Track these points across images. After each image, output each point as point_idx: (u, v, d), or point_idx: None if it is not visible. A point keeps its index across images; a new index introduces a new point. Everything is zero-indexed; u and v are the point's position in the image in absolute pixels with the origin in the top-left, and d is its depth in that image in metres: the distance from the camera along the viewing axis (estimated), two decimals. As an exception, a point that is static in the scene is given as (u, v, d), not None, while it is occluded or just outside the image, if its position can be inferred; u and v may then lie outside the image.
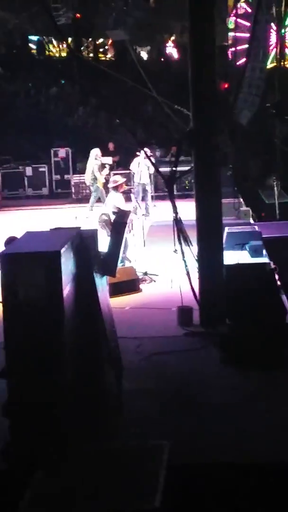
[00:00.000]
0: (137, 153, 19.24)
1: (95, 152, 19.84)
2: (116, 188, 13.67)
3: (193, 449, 6.77)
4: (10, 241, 9.59)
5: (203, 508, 6.21)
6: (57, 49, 35.02)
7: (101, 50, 36.26)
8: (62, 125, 27.20)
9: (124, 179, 15.20)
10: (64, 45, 32.47)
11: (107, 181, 18.25)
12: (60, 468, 6.00)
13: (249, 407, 7.66)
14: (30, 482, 5.75)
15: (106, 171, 19.80)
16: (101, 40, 35.71)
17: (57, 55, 34.95)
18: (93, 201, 19.73)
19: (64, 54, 34.31)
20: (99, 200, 19.14)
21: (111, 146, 24.28)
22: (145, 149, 18.44)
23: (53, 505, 5.48)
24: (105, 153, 24.17)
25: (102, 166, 19.94)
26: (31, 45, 34.97)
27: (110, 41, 35.39)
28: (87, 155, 24.30)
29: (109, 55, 36.29)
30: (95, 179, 19.60)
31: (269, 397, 7.88)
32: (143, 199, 19.09)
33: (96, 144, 24.95)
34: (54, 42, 34.90)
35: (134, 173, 19.63)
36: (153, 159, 18.26)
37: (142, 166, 18.79)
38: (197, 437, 7.03)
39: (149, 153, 17.97)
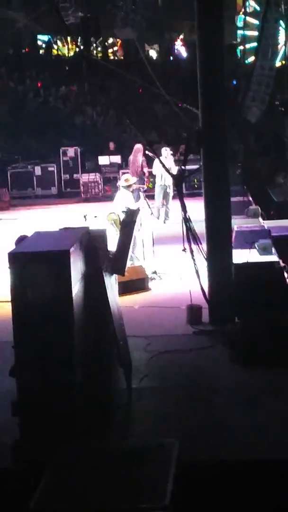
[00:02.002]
0: (147, 152, 19.12)
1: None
2: (127, 187, 13.67)
3: (203, 447, 6.77)
4: (21, 240, 9.61)
5: (213, 505, 6.21)
6: (65, 48, 35.08)
7: (110, 50, 36.31)
8: (71, 124, 27.24)
9: (135, 179, 15.20)
10: (73, 45, 32.51)
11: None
12: (70, 466, 6.01)
13: (258, 406, 7.65)
14: (39, 480, 5.76)
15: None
16: (111, 40, 35.76)
17: (66, 54, 35.02)
18: None
19: (72, 53, 34.39)
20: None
21: (111, 145, 24.27)
22: (165, 148, 18.19)
23: (63, 503, 5.49)
24: (108, 152, 24.18)
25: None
26: (39, 44, 35.06)
27: (119, 41, 35.44)
28: (95, 154, 24.39)
29: (117, 54, 36.32)
30: None
31: (278, 396, 7.87)
32: (164, 202, 18.33)
33: (104, 143, 25.02)
34: (63, 41, 34.97)
35: (155, 174, 18.82)
36: (171, 160, 17.74)
37: (169, 165, 17.54)
38: (207, 435, 7.04)
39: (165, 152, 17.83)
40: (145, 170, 19.07)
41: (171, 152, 18.38)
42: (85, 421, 6.80)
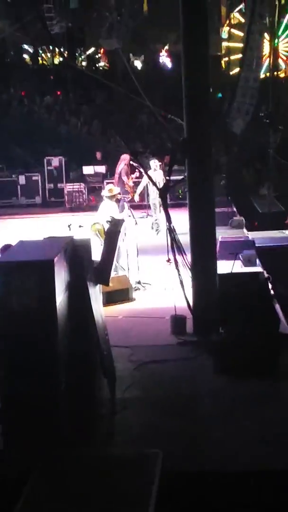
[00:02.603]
0: (131, 162, 19.09)
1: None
2: (111, 197, 13.67)
3: (186, 458, 6.76)
4: (5, 248, 9.58)
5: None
6: (49, 58, 35.12)
7: (96, 58, 36.42)
8: (55, 134, 27.22)
9: (119, 189, 15.18)
10: (58, 54, 32.57)
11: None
12: (53, 475, 5.99)
13: (243, 415, 7.66)
14: (23, 488, 5.74)
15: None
16: (92, 49, 35.86)
17: (50, 64, 35.06)
18: None
19: (57, 63, 34.43)
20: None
21: (98, 155, 24.27)
22: (154, 160, 17.93)
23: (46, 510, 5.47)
24: (93, 162, 24.16)
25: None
26: (24, 54, 35.10)
27: (102, 50, 35.54)
28: (80, 164, 24.36)
29: (102, 63, 36.39)
30: None
31: (263, 406, 7.88)
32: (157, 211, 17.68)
33: (89, 153, 25.00)
34: (49, 50, 35.02)
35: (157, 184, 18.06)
36: (160, 173, 17.53)
37: (158, 177, 17.24)
38: (190, 445, 7.03)
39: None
40: (125, 179, 18.95)
41: (160, 163, 18.28)
42: (68, 430, 6.77)
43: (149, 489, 5.57)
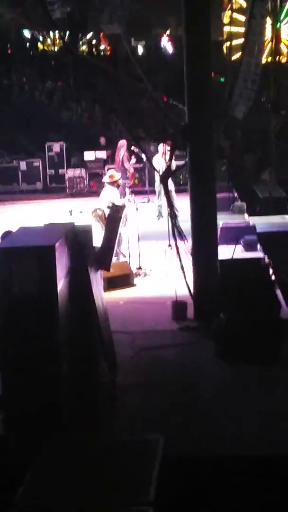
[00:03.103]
0: (132, 148, 19.05)
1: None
2: (112, 183, 13.65)
3: (187, 443, 6.79)
4: (6, 235, 9.58)
5: (197, 500, 6.22)
6: (50, 44, 34.97)
7: (96, 43, 36.27)
8: (57, 120, 27.15)
9: (120, 174, 15.14)
10: (59, 40, 32.42)
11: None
12: (55, 460, 6.01)
13: (243, 401, 7.68)
14: (25, 475, 5.76)
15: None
16: (91, 33, 35.68)
17: (51, 49, 34.92)
18: None
19: (58, 48, 34.30)
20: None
21: (102, 140, 24.20)
22: (163, 144, 17.60)
23: (49, 497, 5.49)
24: (97, 148, 24.10)
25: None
26: (25, 38, 34.94)
27: (102, 34, 35.37)
28: (81, 149, 24.29)
29: (102, 47, 36.21)
30: None
31: (263, 391, 7.90)
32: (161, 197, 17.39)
33: (90, 139, 24.93)
34: (49, 36, 34.86)
35: (158, 170, 17.79)
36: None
37: (164, 163, 16.92)
38: (191, 430, 7.05)
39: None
40: (126, 165, 18.88)
41: (168, 148, 18.08)
42: (70, 416, 6.79)
43: (150, 474, 5.59)
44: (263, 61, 25.97)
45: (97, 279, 7.89)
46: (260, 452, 6.56)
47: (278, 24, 26.10)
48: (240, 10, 31.51)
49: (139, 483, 5.52)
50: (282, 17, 30.87)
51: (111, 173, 14.13)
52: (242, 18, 29.91)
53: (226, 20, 34.04)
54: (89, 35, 36.05)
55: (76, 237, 7.50)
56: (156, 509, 5.22)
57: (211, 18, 10.64)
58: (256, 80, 23.97)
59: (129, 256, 13.20)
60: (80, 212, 13.14)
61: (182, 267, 10.63)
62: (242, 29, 28.11)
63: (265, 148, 23.92)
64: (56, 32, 30.20)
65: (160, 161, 16.19)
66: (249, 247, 13.64)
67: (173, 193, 16.48)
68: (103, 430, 7.08)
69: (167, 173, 11.77)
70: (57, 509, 5.35)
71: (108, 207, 12.42)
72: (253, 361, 8.54)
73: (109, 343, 8.02)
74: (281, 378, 8.30)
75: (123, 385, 8.01)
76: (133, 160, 18.70)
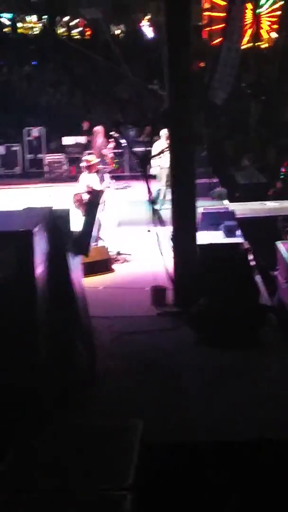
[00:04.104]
0: (111, 133, 18.97)
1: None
2: (88, 168, 13.59)
3: (166, 428, 6.78)
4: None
5: (176, 485, 6.23)
6: (29, 26, 34.70)
7: (75, 30, 36.06)
8: (35, 104, 26.98)
9: (98, 160, 15.08)
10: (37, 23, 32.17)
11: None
12: (33, 446, 5.98)
13: (223, 386, 7.68)
14: (2, 459, 5.73)
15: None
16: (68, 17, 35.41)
17: (30, 32, 34.66)
18: None
19: (37, 32, 34.04)
20: None
21: (85, 125, 24.10)
22: (164, 130, 17.18)
23: (26, 481, 5.46)
24: (79, 132, 24.00)
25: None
26: (3, 21, 34.62)
27: (81, 21, 35.17)
28: (60, 134, 24.17)
29: (79, 29, 35.97)
30: None
31: (242, 377, 7.90)
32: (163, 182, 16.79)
33: (70, 123, 24.78)
34: (28, 19, 34.60)
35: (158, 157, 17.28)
36: None
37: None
38: (171, 415, 7.04)
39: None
40: (104, 151, 18.72)
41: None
42: (49, 401, 6.76)
43: (128, 459, 5.58)
44: (244, 46, 25.96)
45: (75, 264, 7.84)
46: (239, 438, 6.56)
47: (259, 9, 26.07)
48: (220, -5, 31.44)
49: (117, 468, 5.50)
50: (262, 3, 30.83)
51: (86, 158, 14.07)
52: (222, 2, 29.84)
53: (206, 5, 33.96)
54: (66, 18, 35.80)
55: (55, 222, 7.44)
56: (134, 494, 5.21)
57: (191, 3, 10.58)
58: (236, 66, 23.93)
59: (108, 241, 13.17)
60: (58, 197, 13.08)
61: (161, 253, 10.61)
62: (222, 14, 28.02)
63: (245, 133, 23.95)
64: (35, 16, 30.01)
65: (163, 146, 15.65)
66: (229, 232, 13.65)
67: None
68: (82, 415, 7.06)
69: (146, 159, 11.72)
70: (34, 493, 5.33)
71: (87, 192, 12.38)
72: (233, 347, 8.54)
73: (88, 328, 7.99)
74: (260, 363, 8.31)
75: (102, 370, 7.99)
76: (111, 145, 18.60)
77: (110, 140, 18.57)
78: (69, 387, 7.24)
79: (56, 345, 7.21)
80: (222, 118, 25.19)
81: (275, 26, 32.45)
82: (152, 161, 16.33)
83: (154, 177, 16.08)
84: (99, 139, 19.06)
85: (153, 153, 16.93)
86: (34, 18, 35.02)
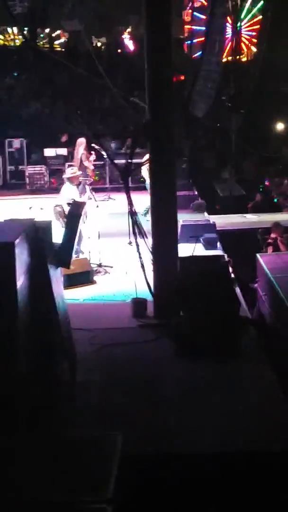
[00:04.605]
0: (93, 145, 19.00)
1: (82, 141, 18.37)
2: (70, 180, 13.62)
3: (146, 440, 6.79)
4: None
5: (155, 498, 6.24)
6: (10, 38, 34.69)
7: (56, 42, 36.12)
8: (17, 116, 26.97)
9: (80, 172, 15.10)
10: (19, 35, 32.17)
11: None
12: (11, 457, 5.96)
13: (203, 398, 7.71)
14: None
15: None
16: (57, 32, 35.48)
17: (11, 44, 34.66)
18: None
19: (18, 43, 34.04)
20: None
21: (64, 138, 24.13)
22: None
23: (4, 493, 5.44)
24: (58, 144, 24.01)
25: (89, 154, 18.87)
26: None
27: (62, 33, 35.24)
28: (41, 146, 24.17)
29: (60, 41, 36.00)
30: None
31: (222, 389, 7.93)
32: None
33: (51, 135, 24.80)
34: (9, 31, 34.60)
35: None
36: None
37: None
38: (151, 428, 7.05)
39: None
40: (86, 164, 18.75)
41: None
42: (28, 413, 6.75)
43: (108, 472, 5.58)
44: (224, 59, 26.15)
45: (56, 276, 7.85)
46: (221, 449, 6.59)
47: (239, 23, 26.25)
48: (201, 9, 31.64)
49: (97, 480, 5.50)
50: (242, 16, 31.09)
51: (70, 170, 14.11)
52: (203, 16, 30.03)
53: (187, 18, 34.15)
54: (47, 30, 35.83)
55: (36, 234, 7.45)
56: (114, 506, 5.21)
57: (172, 16, 10.66)
58: (216, 79, 24.12)
59: (89, 253, 13.18)
60: (40, 208, 13.08)
61: (142, 265, 10.64)
62: (203, 28, 28.22)
63: (225, 146, 24.07)
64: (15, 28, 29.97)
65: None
66: (209, 245, 13.71)
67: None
68: (61, 427, 7.05)
69: (127, 171, 11.75)
70: (13, 506, 5.31)
71: (68, 204, 12.38)
72: (213, 358, 8.57)
73: (68, 340, 7.99)
74: (239, 374, 8.35)
75: (83, 382, 7.99)
76: (93, 157, 18.64)
77: (91, 152, 18.60)
78: (50, 399, 7.24)
79: (36, 357, 7.21)
80: (202, 130, 25.33)
81: (255, 40, 32.80)
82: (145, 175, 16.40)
83: (145, 188, 16.02)
84: (81, 150, 19.07)
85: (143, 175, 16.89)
86: (15, 29, 35.02)
